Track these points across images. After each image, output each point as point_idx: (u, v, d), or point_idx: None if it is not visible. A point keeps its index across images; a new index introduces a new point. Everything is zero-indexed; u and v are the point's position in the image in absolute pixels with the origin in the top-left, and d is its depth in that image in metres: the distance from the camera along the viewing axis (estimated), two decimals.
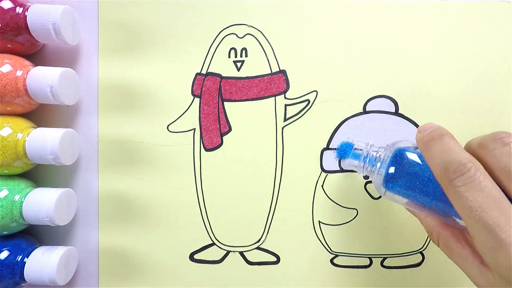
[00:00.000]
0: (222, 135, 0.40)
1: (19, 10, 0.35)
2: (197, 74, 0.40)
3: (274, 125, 0.40)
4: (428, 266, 0.39)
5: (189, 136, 0.40)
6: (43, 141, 0.35)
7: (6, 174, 0.37)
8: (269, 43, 0.40)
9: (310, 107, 0.40)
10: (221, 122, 0.39)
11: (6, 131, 0.35)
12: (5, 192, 0.35)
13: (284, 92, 0.40)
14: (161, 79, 0.40)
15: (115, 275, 0.40)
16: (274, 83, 0.39)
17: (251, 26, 0.40)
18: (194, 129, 0.40)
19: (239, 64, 0.40)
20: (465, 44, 0.39)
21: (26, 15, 0.35)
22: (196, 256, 0.40)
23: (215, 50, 0.40)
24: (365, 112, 0.39)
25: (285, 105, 0.40)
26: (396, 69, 0.39)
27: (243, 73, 0.40)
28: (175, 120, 0.40)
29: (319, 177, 0.39)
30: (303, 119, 0.40)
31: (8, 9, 0.35)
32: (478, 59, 0.39)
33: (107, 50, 0.40)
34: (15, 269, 0.35)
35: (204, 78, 0.40)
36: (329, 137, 0.39)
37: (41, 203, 0.35)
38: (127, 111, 0.40)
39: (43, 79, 0.35)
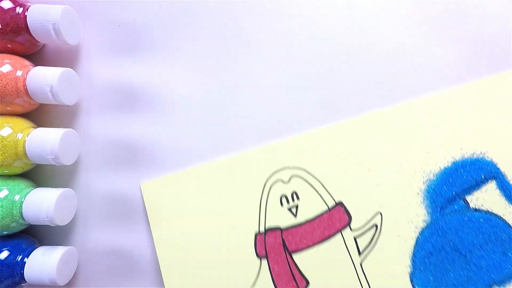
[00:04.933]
0: None
1: (19, 10, 0.35)
2: (257, 234, 0.38)
3: (350, 263, 0.37)
4: None
5: None
6: (43, 141, 0.35)
7: (6, 174, 0.37)
8: (317, 179, 0.38)
9: (380, 231, 0.37)
10: (296, 278, 0.37)
11: (6, 131, 0.35)
12: (5, 192, 0.35)
13: (348, 224, 0.38)
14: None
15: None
16: (335, 218, 0.37)
17: (294, 168, 0.38)
18: None
19: (294, 210, 0.38)
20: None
21: (26, 15, 0.35)
22: None
23: (266, 203, 0.38)
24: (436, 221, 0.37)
25: (354, 238, 0.37)
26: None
27: (300, 217, 0.38)
28: None
29: None
30: (378, 246, 0.37)
31: (8, 9, 0.35)
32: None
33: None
34: (15, 269, 0.35)
35: (265, 236, 0.38)
36: (410, 256, 0.37)
37: (41, 203, 0.35)
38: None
39: (43, 79, 0.35)
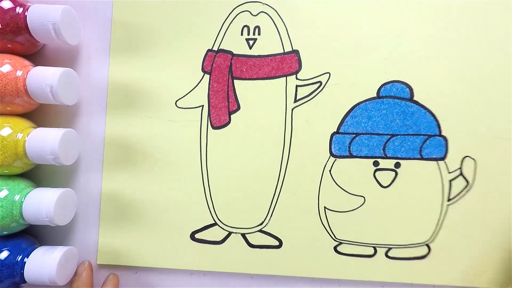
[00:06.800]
0: (230, 113, 0.39)
1: (19, 10, 0.36)
2: (208, 50, 0.40)
3: (284, 106, 0.39)
4: (434, 259, 0.38)
5: (197, 113, 0.39)
6: (43, 141, 0.35)
7: (6, 174, 0.36)
8: (283, 22, 0.39)
9: (321, 89, 0.39)
10: (230, 100, 0.39)
11: (6, 131, 0.35)
12: (5, 192, 0.35)
13: (296, 72, 0.39)
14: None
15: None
16: (286, 63, 0.39)
17: (265, 4, 0.39)
18: (203, 106, 0.39)
19: (251, 42, 0.39)
20: (483, 35, 0.38)
21: (26, 15, 0.35)
22: (197, 236, 0.39)
23: (228, 27, 0.39)
24: (378, 97, 0.39)
25: (296, 86, 0.39)
26: (413, 55, 0.38)
27: (255, 51, 0.39)
28: (184, 96, 0.39)
29: (327, 161, 0.39)
30: (314, 101, 0.39)
31: (8, 9, 0.35)
32: (497, 51, 0.38)
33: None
34: (15, 269, 0.35)
35: (215, 55, 0.39)
36: (340, 120, 0.39)
37: (41, 203, 0.34)
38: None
39: (43, 79, 0.35)
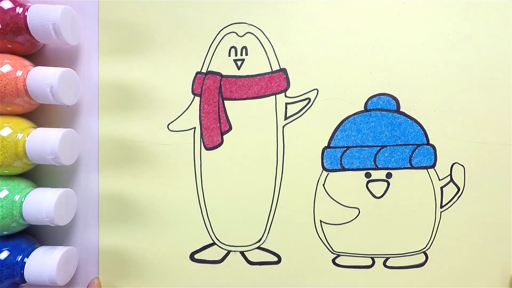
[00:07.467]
0: (222, 133, 0.40)
1: (19, 10, 0.35)
2: (198, 73, 0.40)
3: (274, 124, 0.39)
4: (432, 266, 0.39)
5: (189, 135, 0.40)
6: (43, 141, 0.35)
7: (6, 174, 0.37)
8: (270, 42, 0.39)
9: (311, 106, 0.39)
10: (221, 120, 0.39)
11: (6, 131, 0.35)
12: (5, 192, 0.35)
13: (285, 90, 0.39)
14: (162, 78, 0.40)
15: (115, 275, 0.40)
16: (275, 82, 0.39)
17: (251, 25, 0.40)
18: (195, 128, 0.40)
19: (239, 63, 0.40)
20: (465, 42, 0.39)
21: (26, 15, 0.35)
22: (196, 256, 0.40)
23: (216, 49, 0.40)
24: (366, 110, 0.39)
25: (286, 104, 0.39)
26: (397, 67, 0.39)
27: (243, 71, 0.40)
28: (176, 119, 0.40)
29: (320, 175, 0.39)
30: (304, 117, 0.39)
31: (8, 9, 0.35)
32: (479, 58, 0.38)
33: (108, 50, 0.40)
34: (15, 269, 0.35)
35: (205, 77, 0.40)
36: (330, 135, 0.39)
37: (41, 203, 0.35)
38: (127, 111, 0.40)
39: (43, 79, 0.35)
